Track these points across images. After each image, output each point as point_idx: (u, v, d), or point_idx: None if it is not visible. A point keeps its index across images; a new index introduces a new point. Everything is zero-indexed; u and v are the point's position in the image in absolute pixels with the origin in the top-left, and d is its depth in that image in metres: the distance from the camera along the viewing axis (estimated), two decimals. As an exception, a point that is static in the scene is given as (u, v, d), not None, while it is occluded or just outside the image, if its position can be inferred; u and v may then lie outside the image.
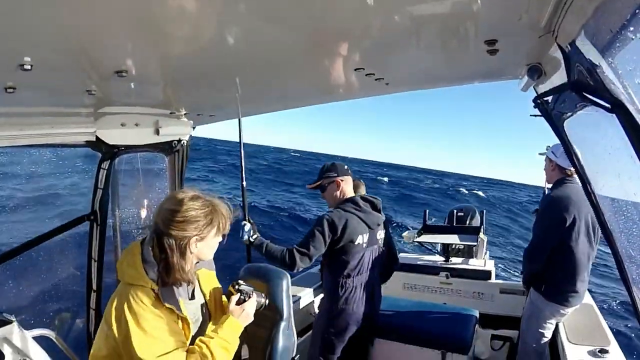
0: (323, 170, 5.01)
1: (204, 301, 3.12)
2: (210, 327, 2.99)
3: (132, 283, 2.67)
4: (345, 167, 5.01)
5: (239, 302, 3.06)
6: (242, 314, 3.03)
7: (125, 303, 2.60)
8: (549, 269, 5.03)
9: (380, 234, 5.07)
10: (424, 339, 4.96)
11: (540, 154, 5.60)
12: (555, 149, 5.22)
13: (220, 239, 2.97)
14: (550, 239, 4.97)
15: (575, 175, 5.02)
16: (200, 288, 3.13)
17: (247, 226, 4.58)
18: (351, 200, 4.85)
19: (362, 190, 6.38)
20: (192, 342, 2.83)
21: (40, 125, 3.30)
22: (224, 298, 3.28)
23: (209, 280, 3.23)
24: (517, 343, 5.76)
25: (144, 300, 2.61)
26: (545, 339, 5.07)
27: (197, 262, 2.98)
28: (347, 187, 4.97)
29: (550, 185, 5.54)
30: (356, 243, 4.71)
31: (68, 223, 4.04)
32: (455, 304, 6.43)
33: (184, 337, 2.76)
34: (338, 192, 4.93)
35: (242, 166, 4.59)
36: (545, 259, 5.01)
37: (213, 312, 3.17)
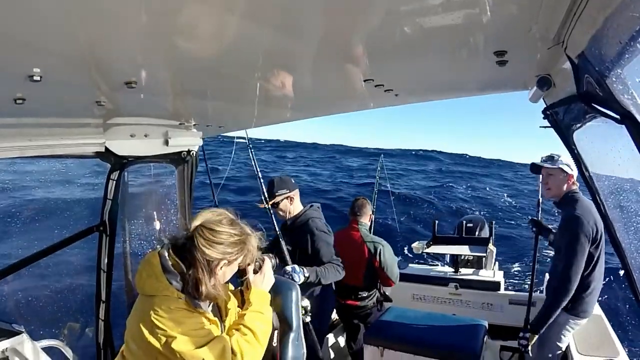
0: (275, 186, 5.36)
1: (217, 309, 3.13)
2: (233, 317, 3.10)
3: (155, 294, 2.67)
4: (293, 180, 5.50)
5: (256, 271, 3.17)
6: (265, 280, 3.16)
7: (155, 314, 2.59)
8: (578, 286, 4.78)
9: None
10: (433, 350, 4.93)
11: (540, 163, 5.15)
12: (568, 159, 5.00)
13: (241, 264, 3.00)
14: (583, 262, 4.68)
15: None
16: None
17: (295, 268, 4.93)
18: (314, 209, 5.44)
19: (368, 210, 6.46)
20: None
21: (50, 136, 3.31)
22: (230, 286, 3.30)
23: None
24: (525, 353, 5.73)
25: (173, 307, 2.61)
26: (561, 351, 4.98)
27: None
28: (297, 199, 5.45)
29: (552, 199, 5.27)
30: None
31: (77, 234, 4.04)
32: (464, 315, 6.41)
33: (219, 331, 2.79)
34: (292, 207, 5.39)
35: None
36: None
37: (223, 314, 3.17)
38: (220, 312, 3.14)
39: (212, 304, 3.00)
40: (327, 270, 5.11)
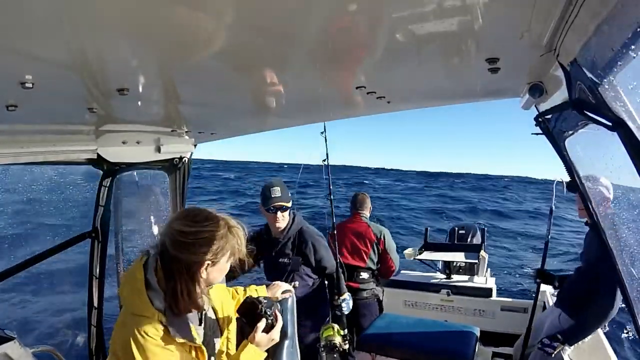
0: (286, 189, 4.90)
1: (214, 317, 2.88)
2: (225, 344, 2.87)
3: (136, 313, 2.41)
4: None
5: (266, 329, 2.83)
6: (269, 343, 2.84)
7: (131, 337, 2.34)
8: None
9: None
10: (425, 356, 4.94)
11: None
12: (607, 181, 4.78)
13: (231, 262, 2.64)
14: None
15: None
16: (211, 303, 2.86)
17: (347, 295, 4.89)
18: (300, 216, 5.14)
19: (368, 203, 6.57)
20: None
21: (42, 143, 3.30)
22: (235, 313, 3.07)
23: (219, 293, 2.99)
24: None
25: (151, 334, 2.36)
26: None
27: (209, 287, 2.70)
28: None
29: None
30: None
31: (69, 240, 4.04)
32: (456, 321, 6.42)
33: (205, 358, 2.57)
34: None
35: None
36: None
37: (223, 328, 2.92)
38: (219, 325, 2.90)
39: (205, 317, 2.77)
40: (343, 280, 5.01)
